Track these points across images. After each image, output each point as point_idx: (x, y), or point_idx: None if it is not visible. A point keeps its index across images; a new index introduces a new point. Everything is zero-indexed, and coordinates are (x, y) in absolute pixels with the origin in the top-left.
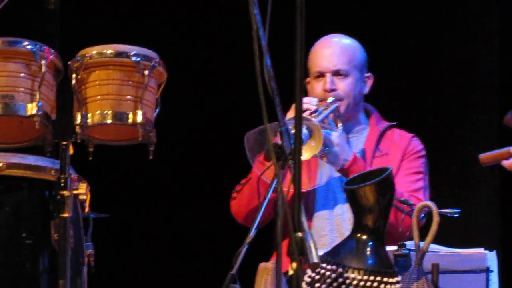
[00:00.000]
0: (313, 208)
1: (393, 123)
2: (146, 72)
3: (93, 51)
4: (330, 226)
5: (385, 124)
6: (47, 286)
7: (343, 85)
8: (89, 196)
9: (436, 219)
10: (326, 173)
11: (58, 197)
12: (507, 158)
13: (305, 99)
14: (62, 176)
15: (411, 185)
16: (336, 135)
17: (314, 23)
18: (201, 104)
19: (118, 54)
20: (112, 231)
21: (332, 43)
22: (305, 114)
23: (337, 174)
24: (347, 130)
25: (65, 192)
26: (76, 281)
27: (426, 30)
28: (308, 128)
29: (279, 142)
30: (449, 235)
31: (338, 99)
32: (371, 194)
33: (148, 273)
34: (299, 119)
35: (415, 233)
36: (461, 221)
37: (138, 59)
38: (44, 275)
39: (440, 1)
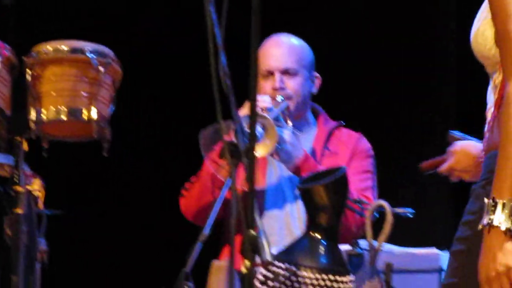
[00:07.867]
0: (263, 207)
1: (341, 123)
2: (101, 69)
3: (49, 46)
4: (280, 224)
5: (333, 123)
6: (0, 281)
7: (292, 84)
8: (43, 192)
9: (389, 218)
10: (275, 171)
11: (12, 192)
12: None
13: (259, 97)
14: (16, 172)
15: (360, 184)
16: (288, 133)
17: (268, 22)
18: (156, 102)
19: (74, 50)
20: (67, 228)
21: (280, 42)
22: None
23: (287, 172)
24: (296, 129)
25: (19, 188)
26: (29, 277)
27: (381, 16)
28: (262, 126)
29: (234, 140)
30: (403, 234)
31: (287, 97)
32: (325, 193)
33: (102, 270)
34: (253, 117)
35: (369, 233)
36: (415, 221)
37: (94, 55)
38: None
39: None
